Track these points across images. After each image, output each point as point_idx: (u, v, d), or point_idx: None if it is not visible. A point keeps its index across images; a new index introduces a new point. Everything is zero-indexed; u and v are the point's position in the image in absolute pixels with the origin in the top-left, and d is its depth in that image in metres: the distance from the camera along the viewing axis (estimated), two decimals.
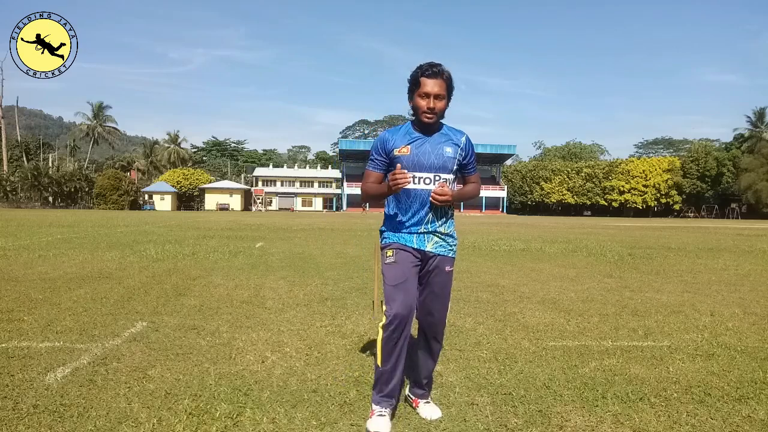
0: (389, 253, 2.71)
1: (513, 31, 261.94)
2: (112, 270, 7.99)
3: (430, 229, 2.70)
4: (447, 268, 2.74)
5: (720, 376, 3.43)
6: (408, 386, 2.95)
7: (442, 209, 2.71)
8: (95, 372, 3.33)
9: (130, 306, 5.36)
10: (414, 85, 2.60)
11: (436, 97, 2.58)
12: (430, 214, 2.68)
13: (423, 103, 2.58)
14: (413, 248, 2.69)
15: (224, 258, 9.95)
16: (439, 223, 2.73)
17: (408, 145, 2.64)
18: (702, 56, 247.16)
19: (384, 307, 2.65)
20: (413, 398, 2.88)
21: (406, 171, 2.55)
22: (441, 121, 2.71)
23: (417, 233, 2.70)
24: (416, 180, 2.64)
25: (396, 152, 2.65)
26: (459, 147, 2.70)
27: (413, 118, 2.70)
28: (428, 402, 2.86)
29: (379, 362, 2.66)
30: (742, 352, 4.02)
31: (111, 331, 4.33)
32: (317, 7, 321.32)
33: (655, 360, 3.78)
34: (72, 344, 3.95)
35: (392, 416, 2.71)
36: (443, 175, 2.66)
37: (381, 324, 2.65)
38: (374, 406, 2.67)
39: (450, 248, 2.77)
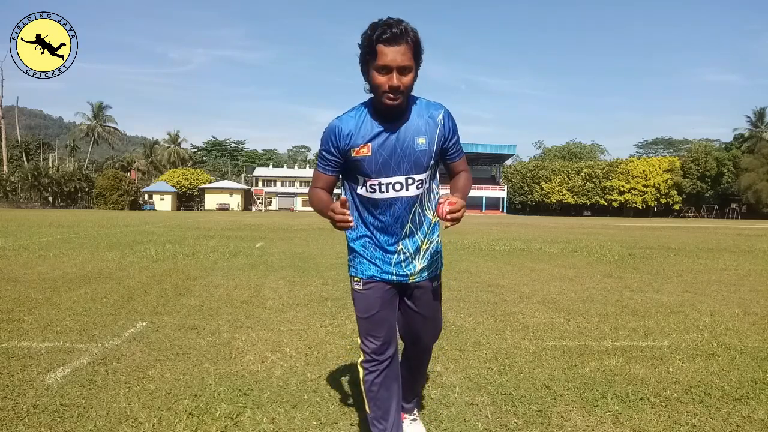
0: (357, 278, 2.16)
1: (513, 31, 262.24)
2: (112, 270, 7.99)
3: (410, 249, 2.14)
4: (434, 283, 2.25)
5: (720, 376, 3.43)
6: None
7: (419, 218, 2.13)
8: (95, 372, 3.33)
9: (130, 306, 5.36)
10: (368, 54, 1.88)
11: (401, 70, 1.85)
12: (408, 226, 2.11)
13: (383, 80, 1.86)
14: (389, 282, 2.15)
15: (224, 258, 9.94)
16: (421, 235, 2.15)
17: (368, 143, 1.99)
18: (702, 56, 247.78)
19: (359, 341, 2.19)
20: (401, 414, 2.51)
21: (347, 212, 1.84)
22: (410, 96, 2.01)
23: (395, 258, 2.13)
24: (384, 187, 2.04)
25: (354, 153, 2.01)
26: (436, 130, 2.04)
27: (370, 95, 2.01)
28: (415, 419, 2.54)
29: (367, 407, 2.22)
30: (742, 352, 4.02)
31: (111, 331, 4.33)
32: (317, 7, 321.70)
33: (655, 360, 3.78)
34: (72, 344, 3.95)
35: None
36: (417, 177, 2.04)
37: (359, 361, 2.20)
38: None
39: (435, 268, 2.25)
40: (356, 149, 2.01)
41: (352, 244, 2.19)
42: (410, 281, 2.17)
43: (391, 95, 1.89)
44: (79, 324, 4.56)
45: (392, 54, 1.83)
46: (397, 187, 2.04)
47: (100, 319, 4.77)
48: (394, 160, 2.01)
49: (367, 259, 2.15)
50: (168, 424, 2.61)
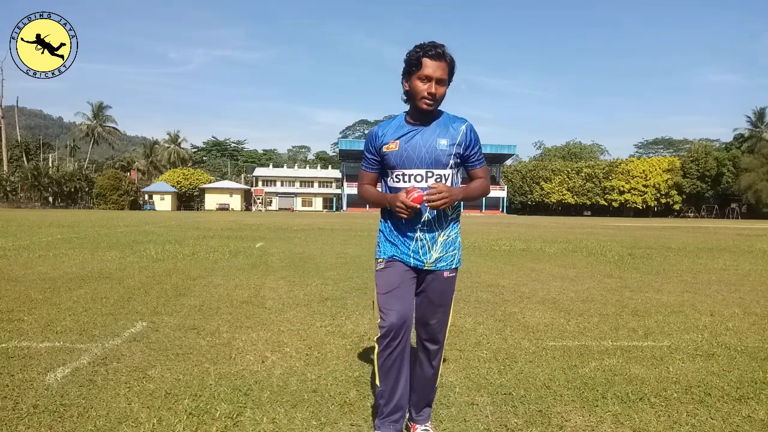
0: (380, 260, 2.49)
1: (513, 31, 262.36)
2: (112, 270, 7.99)
3: (428, 239, 2.40)
4: (446, 274, 2.46)
5: (720, 376, 3.43)
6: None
7: (438, 211, 2.38)
8: (95, 372, 3.33)
9: (130, 306, 5.36)
10: (413, 66, 2.30)
11: (439, 81, 2.30)
12: (426, 216, 2.38)
13: (423, 87, 2.29)
14: (408, 264, 2.43)
15: (224, 258, 9.95)
16: (439, 228, 2.42)
17: (397, 139, 2.39)
18: (702, 56, 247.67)
19: (378, 318, 2.42)
20: (411, 424, 2.60)
21: (416, 205, 2.26)
22: (440, 108, 2.43)
23: (413, 245, 2.40)
24: (406, 177, 2.37)
25: (384, 149, 2.41)
26: (457, 137, 2.38)
27: (407, 105, 2.44)
28: (426, 429, 2.57)
29: (377, 381, 2.42)
30: (742, 352, 4.02)
31: (111, 331, 4.33)
32: (317, 7, 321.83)
33: (655, 360, 3.78)
34: (72, 344, 3.95)
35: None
36: (437, 171, 2.35)
37: (376, 337, 2.43)
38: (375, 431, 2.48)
39: (451, 261, 2.46)
40: (387, 145, 2.41)
41: (381, 229, 2.54)
42: (426, 268, 2.43)
43: (428, 100, 2.31)
44: (79, 324, 4.56)
45: (434, 67, 2.28)
46: (418, 178, 2.37)
47: (100, 319, 4.77)
48: (416, 155, 2.36)
49: (390, 242, 2.47)
50: (168, 424, 2.61)
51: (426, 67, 2.27)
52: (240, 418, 2.71)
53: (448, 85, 2.36)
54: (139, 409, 2.79)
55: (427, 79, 2.28)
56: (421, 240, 2.40)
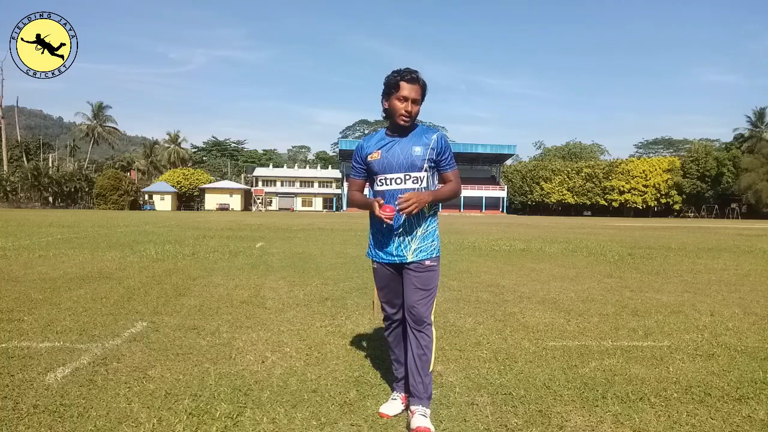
0: (372, 260, 2.93)
1: (513, 31, 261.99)
2: (112, 270, 7.99)
3: (408, 232, 2.74)
4: (428, 263, 2.76)
5: (720, 376, 3.43)
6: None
7: (420, 210, 2.69)
8: (95, 372, 3.34)
9: (130, 306, 5.36)
10: (392, 88, 2.69)
11: (414, 101, 2.68)
12: (404, 217, 2.70)
13: (401, 106, 2.67)
14: (392, 264, 2.79)
15: (224, 258, 9.95)
16: (416, 224, 2.75)
17: (379, 150, 2.78)
18: (702, 56, 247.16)
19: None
20: (411, 410, 2.71)
21: (391, 210, 2.63)
22: (415, 122, 2.82)
23: (395, 243, 2.75)
24: (388, 181, 2.74)
25: (369, 158, 2.79)
26: (429, 145, 2.74)
27: (386, 121, 2.81)
28: (424, 416, 2.65)
29: (390, 351, 3.03)
30: (742, 352, 4.02)
31: (111, 331, 4.33)
32: (317, 7, 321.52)
33: (655, 360, 3.78)
34: (72, 344, 3.95)
35: (407, 404, 2.82)
36: (413, 174, 2.72)
37: (382, 318, 3.01)
38: (391, 391, 3.01)
39: (431, 251, 2.77)
40: (371, 155, 2.80)
41: (370, 231, 2.91)
42: (408, 260, 2.75)
43: (404, 117, 2.69)
44: (79, 324, 4.56)
45: (409, 89, 2.67)
46: (398, 181, 2.74)
47: (100, 319, 4.77)
48: (395, 161, 2.74)
49: (376, 242, 2.86)
50: (168, 424, 2.61)
51: (403, 89, 2.65)
52: (240, 418, 2.71)
53: (421, 104, 2.74)
54: (139, 409, 2.79)
55: (404, 99, 2.66)
56: (402, 235, 2.75)
